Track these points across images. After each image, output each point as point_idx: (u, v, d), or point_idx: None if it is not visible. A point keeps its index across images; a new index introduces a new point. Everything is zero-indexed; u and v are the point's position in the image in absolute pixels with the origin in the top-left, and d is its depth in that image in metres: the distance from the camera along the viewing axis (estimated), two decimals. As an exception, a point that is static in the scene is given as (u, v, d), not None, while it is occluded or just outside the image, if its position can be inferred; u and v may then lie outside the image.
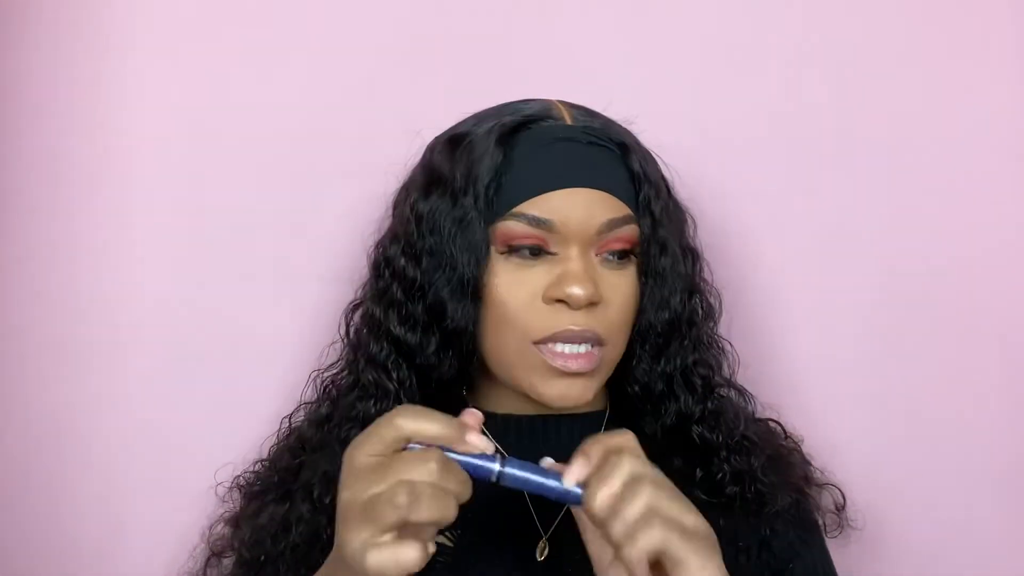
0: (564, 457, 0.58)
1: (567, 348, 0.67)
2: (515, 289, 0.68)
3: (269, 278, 0.90)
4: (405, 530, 0.51)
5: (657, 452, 0.73)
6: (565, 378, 0.67)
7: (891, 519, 0.89)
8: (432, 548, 0.53)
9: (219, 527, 0.81)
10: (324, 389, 0.78)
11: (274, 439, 0.81)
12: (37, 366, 0.88)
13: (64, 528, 0.87)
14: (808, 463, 0.82)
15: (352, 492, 0.52)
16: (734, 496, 0.72)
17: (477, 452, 0.54)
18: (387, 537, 0.50)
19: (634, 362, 0.72)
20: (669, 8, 0.93)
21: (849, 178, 0.91)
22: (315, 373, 0.79)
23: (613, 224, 0.68)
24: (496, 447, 0.56)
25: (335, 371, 0.79)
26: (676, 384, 0.73)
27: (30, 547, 0.87)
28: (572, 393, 0.68)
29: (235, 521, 0.79)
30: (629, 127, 0.75)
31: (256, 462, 0.81)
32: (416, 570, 0.51)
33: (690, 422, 0.73)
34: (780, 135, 0.92)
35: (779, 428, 0.82)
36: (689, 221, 0.78)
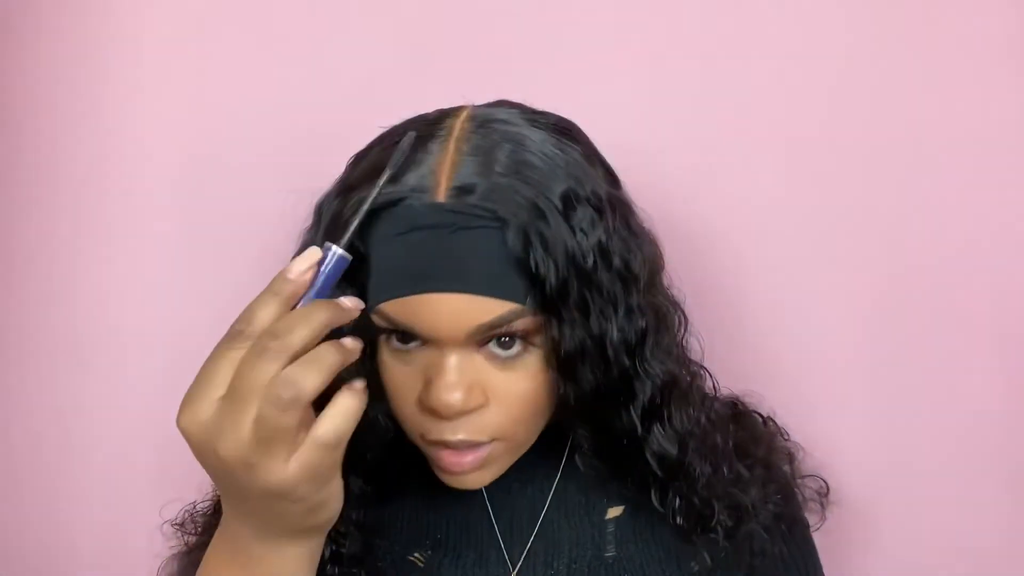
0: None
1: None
2: (396, 380, 0.60)
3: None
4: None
5: (630, 491, 0.68)
6: (456, 474, 0.61)
7: (892, 522, 0.88)
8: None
9: (172, 566, 0.77)
10: None
11: None
12: (36, 366, 0.88)
13: (63, 528, 0.87)
14: (783, 437, 0.78)
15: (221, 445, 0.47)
16: (714, 528, 0.66)
17: (311, 273, 0.50)
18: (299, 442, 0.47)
19: (572, 436, 0.65)
20: (670, 7, 0.88)
21: (850, 179, 0.88)
22: None
23: (487, 327, 0.56)
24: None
25: None
26: (630, 441, 0.63)
27: (28, 547, 0.87)
28: (468, 484, 0.61)
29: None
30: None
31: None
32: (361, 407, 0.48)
33: (656, 479, 0.65)
34: (777, 134, 0.88)
35: (742, 407, 0.76)
36: (637, 249, 0.61)
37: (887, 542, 0.87)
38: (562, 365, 0.59)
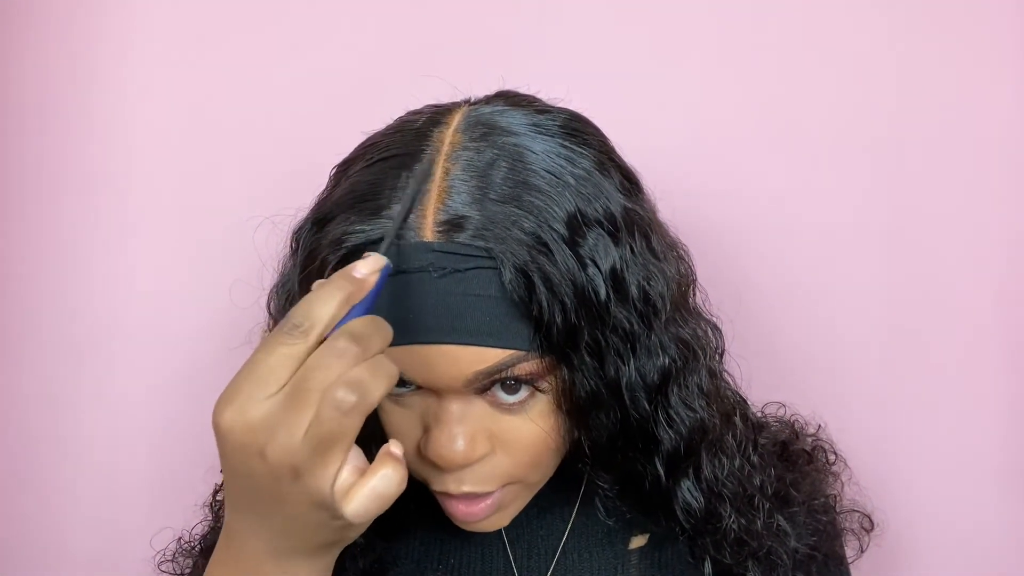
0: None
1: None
2: (394, 424, 0.55)
3: (268, 281, 0.86)
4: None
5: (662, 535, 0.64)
6: (470, 523, 0.57)
7: (895, 521, 0.85)
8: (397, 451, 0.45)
9: None
10: None
11: None
12: (34, 366, 0.88)
13: (59, 530, 0.87)
14: (830, 463, 0.71)
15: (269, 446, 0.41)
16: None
17: (375, 278, 0.46)
18: (346, 472, 0.43)
19: (588, 477, 0.59)
20: (671, 8, 0.87)
21: (853, 177, 0.86)
22: None
23: (485, 374, 0.51)
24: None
25: None
26: (655, 487, 0.58)
27: (25, 550, 0.87)
28: (485, 527, 0.57)
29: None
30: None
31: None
32: (399, 490, 0.44)
33: (684, 530, 0.60)
34: (784, 132, 0.86)
35: (791, 445, 0.69)
36: (658, 273, 0.55)
37: (888, 541, 0.84)
38: (574, 410, 0.54)
